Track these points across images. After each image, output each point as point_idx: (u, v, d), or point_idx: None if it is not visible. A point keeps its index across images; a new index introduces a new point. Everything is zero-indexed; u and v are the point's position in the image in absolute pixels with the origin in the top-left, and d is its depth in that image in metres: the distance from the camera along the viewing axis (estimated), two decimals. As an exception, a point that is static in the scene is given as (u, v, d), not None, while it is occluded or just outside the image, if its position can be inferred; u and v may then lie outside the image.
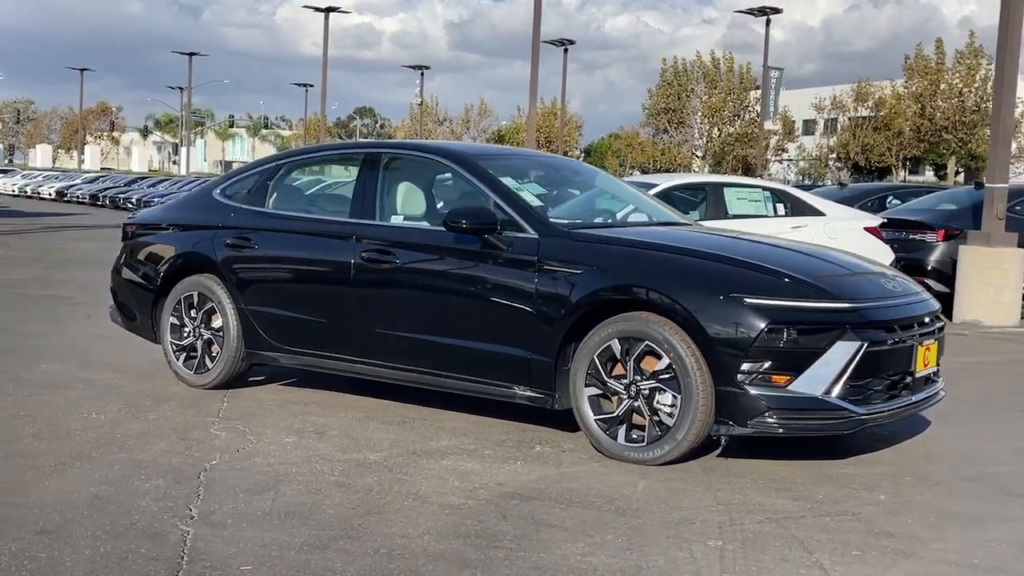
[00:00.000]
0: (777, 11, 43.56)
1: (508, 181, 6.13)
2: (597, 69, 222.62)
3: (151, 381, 7.10)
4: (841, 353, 4.98)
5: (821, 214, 11.73)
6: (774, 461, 5.34)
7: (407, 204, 6.42)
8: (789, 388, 4.96)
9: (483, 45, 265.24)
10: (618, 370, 5.33)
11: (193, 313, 6.90)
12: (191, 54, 70.47)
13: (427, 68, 69.64)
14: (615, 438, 5.30)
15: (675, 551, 3.98)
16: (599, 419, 5.35)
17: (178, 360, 6.98)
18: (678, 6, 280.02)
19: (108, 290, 7.78)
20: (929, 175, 61.94)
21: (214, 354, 6.85)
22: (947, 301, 11.30)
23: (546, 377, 5.50)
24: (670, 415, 5.12)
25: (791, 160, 69.76)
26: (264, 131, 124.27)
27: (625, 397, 5.27)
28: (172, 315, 6.99)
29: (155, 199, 33.17)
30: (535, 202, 6.02)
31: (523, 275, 5.58)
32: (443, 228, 5.91)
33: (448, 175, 6.43)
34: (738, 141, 54.01)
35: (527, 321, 5.53)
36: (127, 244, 7.50)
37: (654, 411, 5.18)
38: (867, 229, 11.80)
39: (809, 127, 67.78)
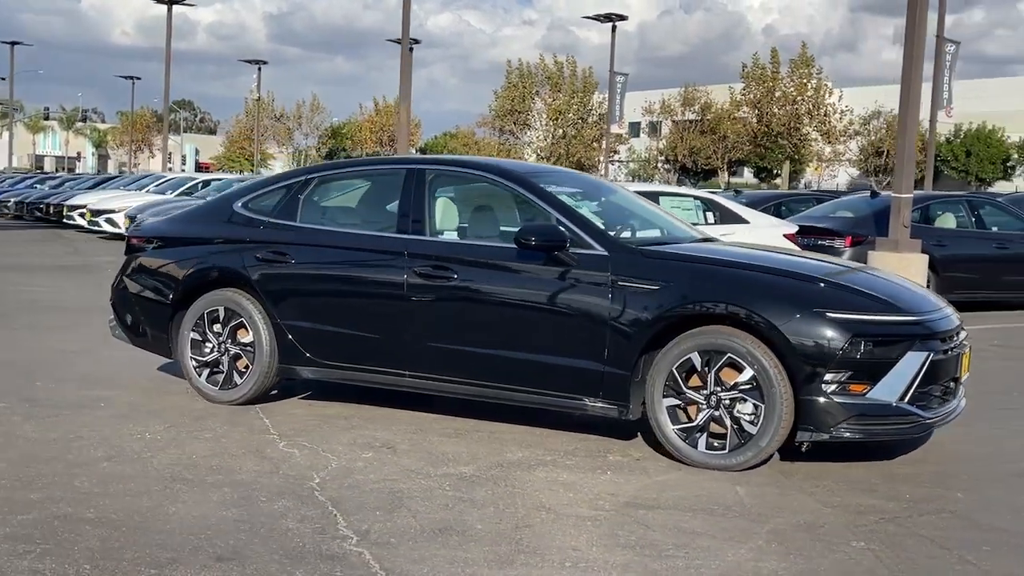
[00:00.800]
0: (623, 18, 44.80)
1: (566, 199, 6.33)
2: (421, 67, 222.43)
3: (165, 397, 7.00)
4: (911, 363, 5.41)
5: (745, 222, 12.32)
6: (836, 463, 5.72)
7: (459, 220, 6.54)
8: (867, 396, 5.35)
9: (304, 38, 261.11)
10: (694, 381, 5.61)
11: (217, 328, 6.82)
12: (12, 43, 66.94)
13: (264, 63, 68.33)
14: (695, 446, 5.58)
15: (831, 554, 4.29)
16: (677, 429, 5.62)
17: (200, 376, 6.88)
18: (499, 6, 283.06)
19: (109, 303, 7.59)
20: (749, 178, 64.79)
21: (243, 370, 6.78)
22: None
23: (621, 389, 5.74)
24: (752, 423, 5.44)
25: (621, 161, 71.75)
26: (79, 124, 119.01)
27: (704, 407, 5.55)
28: (193, 331, 6.88)
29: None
30: (597, 220, 6.23)
31: (597, 291, 5.79)
32: (503, 245, 6.11)
33: (498, 192, 6.55)
34: (576, 141, 55.10)
35: (601, 335, 5.75)
36: (133, 257, 7.33)
37: (735, 420, 5.49)
38: (786, 236, 12.47)
39: (635, 129, 69.80)
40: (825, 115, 44.09)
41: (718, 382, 5.53)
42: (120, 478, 5.13)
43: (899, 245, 12.53)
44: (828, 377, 5.33)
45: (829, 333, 5.34)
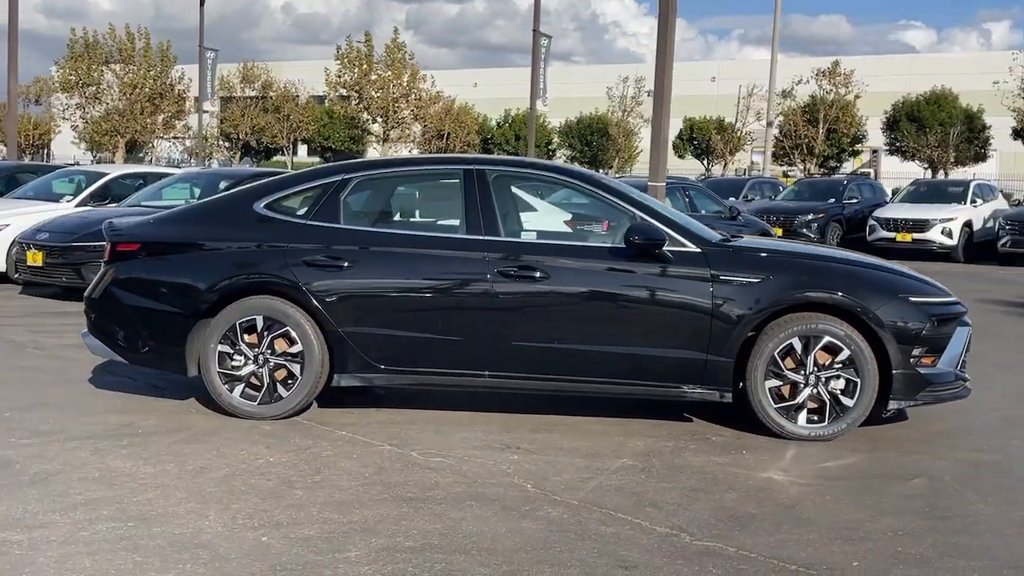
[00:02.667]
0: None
1: (644, 199, 6.72)
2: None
3: (193, 416, 6.57)
4: (960, 337, 6.48)
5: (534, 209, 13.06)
6: (875, 427, 6.64)
7: (533, 220, 6.69)
8: (937, 367, 6.34)
9: None
10: (789, 363, 6.29)
11: (250, 339, 6.44)
12: None
13: None
14: (795, 421, 6.28)
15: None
16: (778, 407, 6.28)
17: (233, 392, 6.46)
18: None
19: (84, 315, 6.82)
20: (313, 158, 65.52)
21: (288, 382, 6.47)
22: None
23: (723, 375, 6.28)
24: (848, 397, 6.22)
25: (178, 138, 69.26)
26: None
27: (805, 386, 6.26)
28: (221, 343, 6.44)
29: None
30: (678, 218, 6.68)
31: (698, 286, 6.28)
32: (592, 244, 6.44)
33: (568, 191, 6.78)
34: (131, 116, 52.33)
35: (704, 327, 6.26)
36: (122, 265, 6.64)
37: (832, 396, 6.25)
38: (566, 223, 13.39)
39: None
40: (419, 99, 45.68)
41: (815, 363, 6.24)
42: (272, 506, 4.89)
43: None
44: (914, 352, 6.24)
45: (914, 315, 6.25)
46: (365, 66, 44.57)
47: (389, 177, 7.02)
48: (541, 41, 34.51)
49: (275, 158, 60.79)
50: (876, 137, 55.03)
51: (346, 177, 6.73)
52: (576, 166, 7.98)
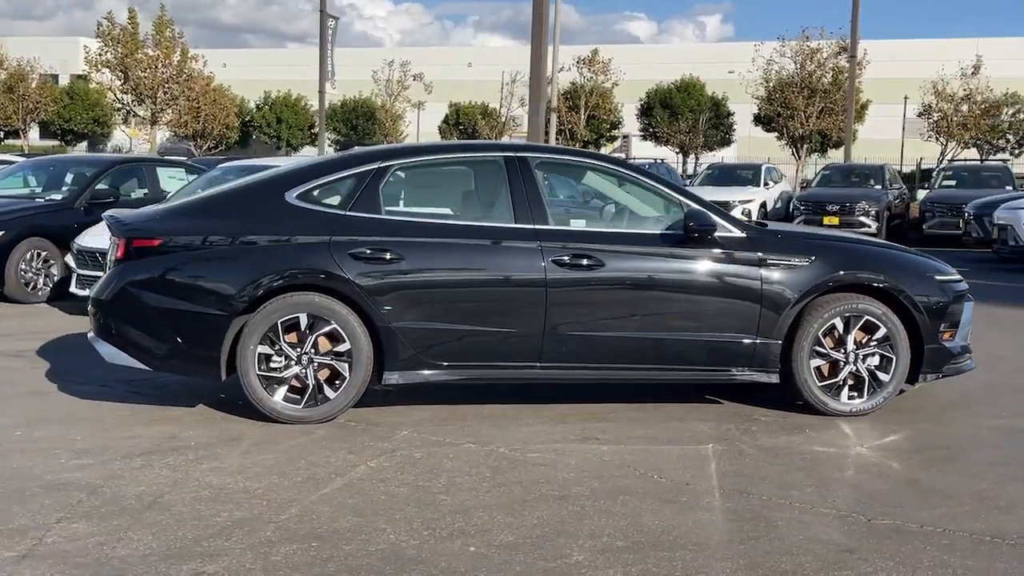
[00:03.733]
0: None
1: (681, 187, 6.78)
2: None
3: (229, 423, 6.14)
4: (968, 312, 6.94)
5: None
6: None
7: (580, 208, 6.60)
8: (955, 340, 6.77)
9: None
10: (829, 343, 6.54)
11: (292, 338, 6.08)
12: None
13: None
14: (838, 398, 6.54)
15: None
16: (821, 385, 6.53)
17: (274, 396, 6.07)
18: None
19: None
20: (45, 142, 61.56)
21: (335, 382, 6.14)
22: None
23: (772, 357, 6.46)
24: (885, 372, 6.54)
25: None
26: None
27: (845, 364, 6.53)
28: (261, 344, 6.04)
29: None
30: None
31: (747, 270, 6.42)
32: (643, 231, 6.47)
33: (609, 180, 6.73)
34: None
35: (754, 310, 6.41)
36: (140, 263, 6.09)
37: (870, 372, 6.56)
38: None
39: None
40: (188, 78, 43.59)
41: (855, 341, 6.52)
42: (420, 523, 4.73)
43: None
44: (941, 328, 6.64)
45: (939, 293, 6.64)
46: (130, 44, 42.11)
47: (427, 165, 6.74)
48: (328, 22, 33.82)
49: (8, 141, 56.76)
50: (632, 123, 57.32)
51: (382, 165, 6.42)
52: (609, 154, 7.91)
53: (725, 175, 26.00)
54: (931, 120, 51.65)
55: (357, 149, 7.42)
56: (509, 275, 6.25)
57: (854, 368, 6.53)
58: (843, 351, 6.51)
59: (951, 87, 51.14)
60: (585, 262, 6.26)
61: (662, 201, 6.62)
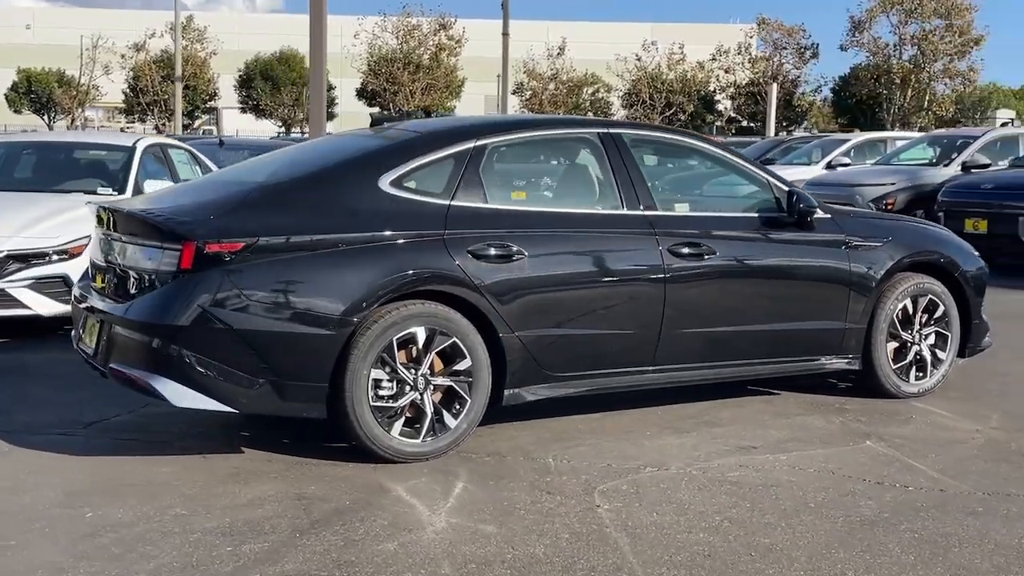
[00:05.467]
0: None
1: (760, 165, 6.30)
2: None
3: (340, 468, 4.90)
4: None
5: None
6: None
7: (679, 191, 5.95)
8: (984, 317, 6.89)
9: None
10: (899, 324, 6.41)
11: (404, 358, 4.99)
12: None
13: None
14: (908, 381, 6.44)
15: None
16: (895, 367, 6.40)
17: (391, 430, 4.95)
18: None
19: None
20: None
21: (455, 408, 5.12)
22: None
23: (856, 342, 6.23)
24: (941, 350, 6.54)
25: None
26: None
27: (911, 344, 6.45)
28: (375, 367, 4.90)
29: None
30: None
31: (837, 253, 6.12)
32: (746, 214, 5.99)
33: (697, 159, 6.08)
34: None
35: (845, 294, 6.14)
36: (223, 274, 4.67)
37: (931, 351, 6.53)
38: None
39: None
40: None
41: (919, 321, 6.46)
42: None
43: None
44: (981, 303, 6.74)
45: (980, 270, 6.74)
46: None
47: (523, 143, 5.72)
48: None
49: None
50: (231, 95, 55.03)
51: (479, 144, 5.37)
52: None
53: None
54: (524, 98, 54.25)
55: (437, 122, 6.19)
56: (629, 269, 5.51)
57: (919, 348, 6.44)
58: (911, 331, 6.40)
59: (540, 67, 53.99)
60: (699, 251, 5.65)
61: (752, 181, 6.13)
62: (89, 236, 8.02)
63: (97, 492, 4.52)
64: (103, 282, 5.32)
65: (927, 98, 49.40)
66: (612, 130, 5.74)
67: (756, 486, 4.72)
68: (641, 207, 5.58)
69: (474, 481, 4.74)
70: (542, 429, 5.58)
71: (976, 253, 6.85)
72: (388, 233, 4.95)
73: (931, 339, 6.47)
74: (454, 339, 5.00)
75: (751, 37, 52.48)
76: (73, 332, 5.70)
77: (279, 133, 48.24)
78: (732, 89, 51.65)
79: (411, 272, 4.92)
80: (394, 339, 4.87)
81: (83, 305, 5.42)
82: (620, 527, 4.18)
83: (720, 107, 53.01)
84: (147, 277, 4.79)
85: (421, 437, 4.97)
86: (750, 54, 51.67)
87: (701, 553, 3.93)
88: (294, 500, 4.45)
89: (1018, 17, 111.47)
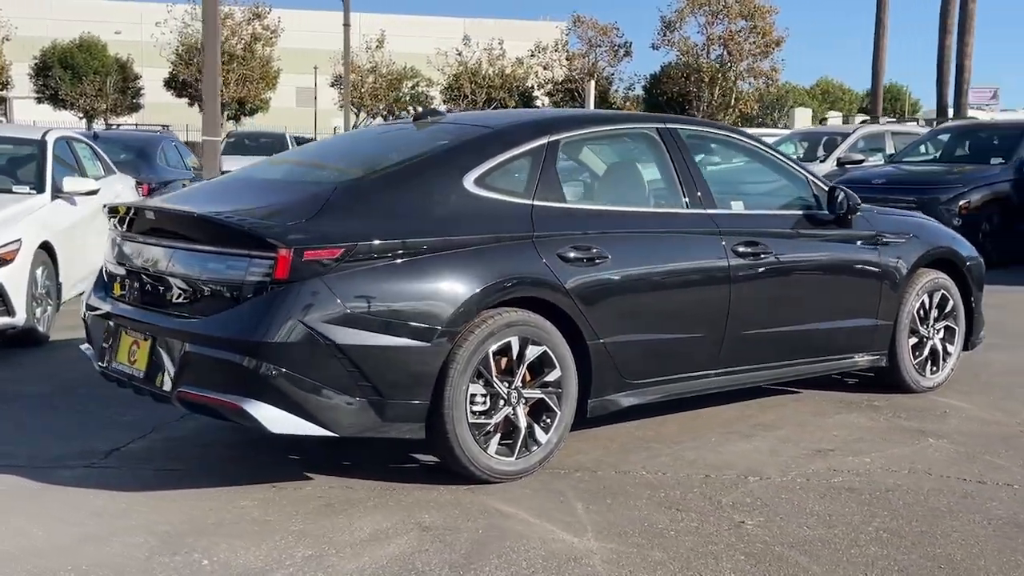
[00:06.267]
0: None
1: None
2: None
3: (426, 492, 4.51)
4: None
5: (113, 172, 10.55)
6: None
7: (730, 188, 5.75)
8: (982, 311, 7.01)
9: None
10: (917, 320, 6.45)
11: (498, 370, 4.65)
12: None
13: None
14: (924, 374, 6.51)
15: None
16: (915, 363, 6.44)
17: (487, 448, 4.61)
18: None
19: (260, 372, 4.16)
20: None
21: (545, 421, 4.81)
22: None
23: (884, 338, 6.24)
24: (950, 343, 6.64)
25: None
26: None
27: (927, 339, 6.51)
28: (472, 381, 4.55)
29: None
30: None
31: (871, 249, 6.10)
32: (794, 212, 5.91)
33: (745, 156, 5.90)
34: None
35: (876, 290, 6.13)
36: (323, 284, 4.20)
37: (942, 345, 6.61)
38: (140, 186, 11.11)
39: None
40: None
41: (933, 316, 6.53)
42: None
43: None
44: (981, 297, 6.87)
45: (981, 264, 6.87)
46: None
47: (590, 139, 5.40)
48: None
49: None
50: (25, 84, 51.87)
51: (552, 139, 5.04)
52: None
53: (247, 144, 24.50)
54: (343, 91, 53.45)
55: (500, 116, 5.74)
56: (701, 269, 5.32)
57: (934, 342, 6.51)
58: (927, 326, 6.46)
59: (359, 59, 53.31)
60: (757, 250, 5.51)
61: (791, 177, 6.02)
62: (20, 240, 7.28)
63: (190, 533, 3.98)
64: (135, 292, 4.71)
65: (733, 96, 51.34)
66: (669, 125, 5.52)
67: (872, 491, 4.60)
68: (703, 205, 5.40)
69: (589, 500, 4.43)
70: (601, 440, 5.31)
71: (974, 248, 6.97)
72: (479, 236, 4.57)
73: (941, 333, 6.54)
74: (545, 348, 4.68)
75: (567, 34, 53.24)
76: (90, 350, 5.05)
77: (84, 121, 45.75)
78: (550, 86, 52.28)
79: (508, 277, 4.57)
80: (491, 350, 4.51)
81: (109, 319, 4.80)
82: (786, 544, 3.97)
83: (538, 103, 53.58)
84: (225, 289, 4.25)
85: (515, 454, 4.63)
86: (567, 51, 52.42)
87: (892, 568, 3.76)
88: (420, 531, 4.04)
89: (805, 21, 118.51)
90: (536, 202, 4.83)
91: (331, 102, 53.87)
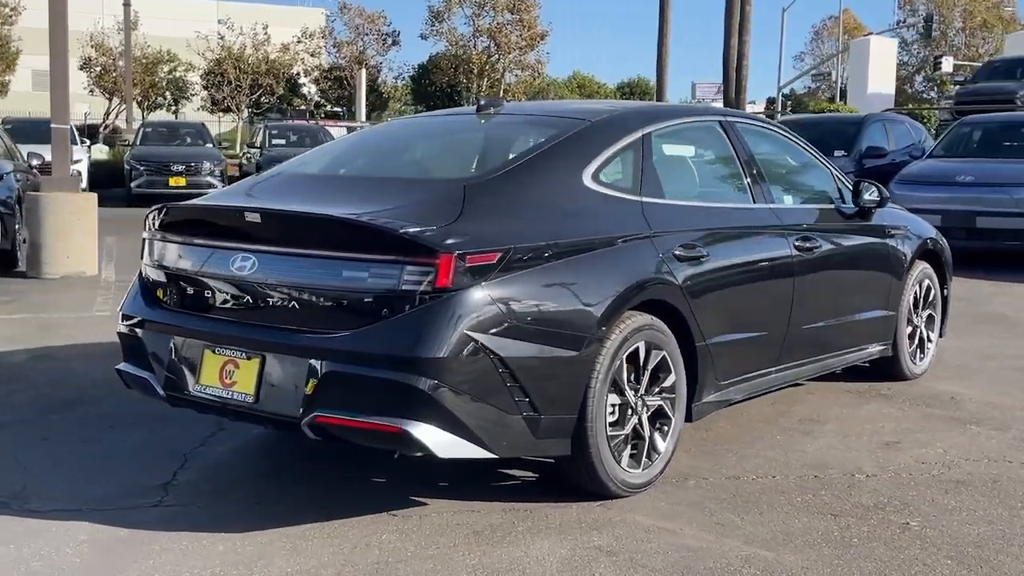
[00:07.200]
0: None
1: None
2: None
3: (567, 515, 4.22)
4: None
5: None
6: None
7: (778, 182, 5.65)
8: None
9: None
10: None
11: (628, 377, 4.42)
12: None
13: None
14: (917, 362, 6.69)
15: None
16: (910, 350, 6.62)
17: (620, 460, 4.36)
18: None
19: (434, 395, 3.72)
20: None
21: (663, 428, 4.60)
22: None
23: (889, 328, 6.35)
24: (931, 330, 6.85)
25: None
26: None
27: (918, 327, 6.68)
28: (610, 390, 4.29)
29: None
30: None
31: (883, 242, 6.21)
32: (829, 206, 5.93)
33: (780, 150, 5.79)
34: None
35: (888, 281, 6.24)
36: (485, 291, 3.81)
37: (927, 333, 6.82)
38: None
39: None
40: None
41: (920, 305, 6.72)
42: None
43: (65, 184, 11.01)
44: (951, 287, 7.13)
45: (949, 254, 7.11)
46: None
47: (672, 132, 5.09)
48: None
49: None
50: None
51: (645, 132, 4.78)
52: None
53: (29, 129, 22.45)
54: (93, 74, 50.69)
55: (589, 107, 5.31)
56: (774, 266, 5.23)
57: (922, 330, 6.70)
58: (917, 315, 6.64)
59: (109, 41, 50.64)
60: (810, 244, 5.48)
61: (821, 170, 6.02)
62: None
63: (367, 574, 3.50)
64: (224, 305, 4.12)
65: (502, 88, 51.94)
66: (727, 118, 5.39)
67: (982, 483, 4.63)
68: (765, 200, 5.32)
69: (736, 510, 4.24)
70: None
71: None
72: (605, 235, 4.28)
73: (925, 321, 6.73)
74: (664, 353, 4.45)
75: (333, 21, 52.25)
76: (139, 371, 4.37)
77: None
78: (317, 73, 51.18)
79: (640, 279, 4.31)
80: (623, 357, 4.24)
81: (180, 335, 4.19)
82: (971, 544, 3.91)
83: (305, 91, 52.35)
84: (369, 300, 3.75)
85: (642, 466, 4.38)
86: (334, 38, 51.46)
87: (1093, 562, 3.78)
88: (608, 556, 3.73)
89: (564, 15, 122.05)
90: (644, 198, 4.57)
91: (80, 86, 50.60)
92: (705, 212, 4.91)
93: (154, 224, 4.43)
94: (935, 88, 62.26)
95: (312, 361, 3.78)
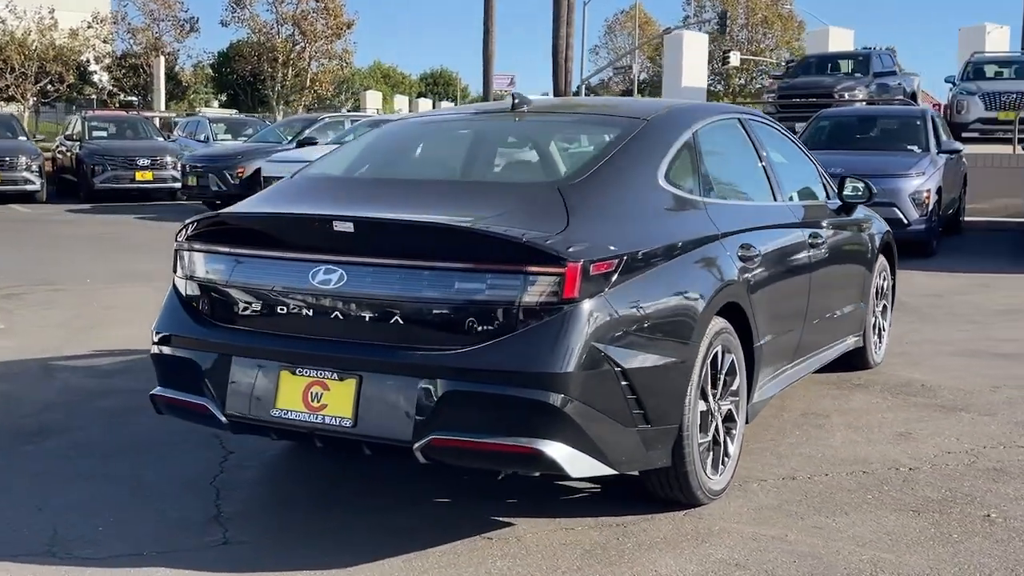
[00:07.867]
0: None
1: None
2: None
3: (655, 529, 4.12)
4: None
5: None
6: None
7: (785, 178, 5.64)
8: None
9: None
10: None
11: (709, 383, 4.35)
12: None
13: None
14: (878, 352, 6.86)
15: None
16: (875, 338, 6.77)
17: (706, 467, 4.27)
18: None
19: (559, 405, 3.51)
20: None
21: (732, 432, 4.54)
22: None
23: (861, 320, 6.48)
24: (884, 319, 7.04)
25: None
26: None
27: (877, 317, 6.84)
28: (699, 397, 4.21)
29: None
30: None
31: (860, 236, 6.34)
32: (821, 202, 6.00)
33: (778, 147, 5.76)
34: None
35: (863, 274, 6.38)
36: (607, 301, 3.63)
37: (882, 323, 7.01)
38: None
39: None
40: None
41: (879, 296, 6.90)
42: None
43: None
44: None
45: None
46: None
47: (708, 130, 4.95)
48: None
49: None
50: None
51: (695, 130, 4.67)
52: None
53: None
54: None
55: (641, 105, 5.05)
56: (800, 263, 5.24)
57: (879, 320, 6.88)
58: (879, 306, 6.81)
59: None
60: (818, 241, 5.53)
61: (810, 166, 6.06)
62: None
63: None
64: (302, 319, 3.76)
65: (308, 77, 50.82)
66: (742, 115, 5.36)
67: (1018, 470, 4.76)
68: (782, 196, 5.32)
69: (821, 512, 4.20)
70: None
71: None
72: (685, 238, 4.16)
73: (881, 311, 6.92)
74: (733, 356, 4.38)
75: (125, 6, 49.80)
76: (207, 399, 3.91)
77: None
78: (109, 60, 48.70)
79: (722, 283, 4.22)
80: (707, 363, 4.14)
81: (246, 355, 3.81)
82: (1061, 533, 4.01)
83: (96, 79, 49.72)
84: (486, 312, 3.50)
85: (719, 472, 4.30)
86: (128, 24, 49.08)
87: None
88: (741, 570, 3.61)
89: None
90: (704, 198, 4.48)
91: None
92: (749, 211, 4.87)
93: (194, 234, 4.00)
94: (721, 82, 64.75)
95: (424, 380, 3.50)
